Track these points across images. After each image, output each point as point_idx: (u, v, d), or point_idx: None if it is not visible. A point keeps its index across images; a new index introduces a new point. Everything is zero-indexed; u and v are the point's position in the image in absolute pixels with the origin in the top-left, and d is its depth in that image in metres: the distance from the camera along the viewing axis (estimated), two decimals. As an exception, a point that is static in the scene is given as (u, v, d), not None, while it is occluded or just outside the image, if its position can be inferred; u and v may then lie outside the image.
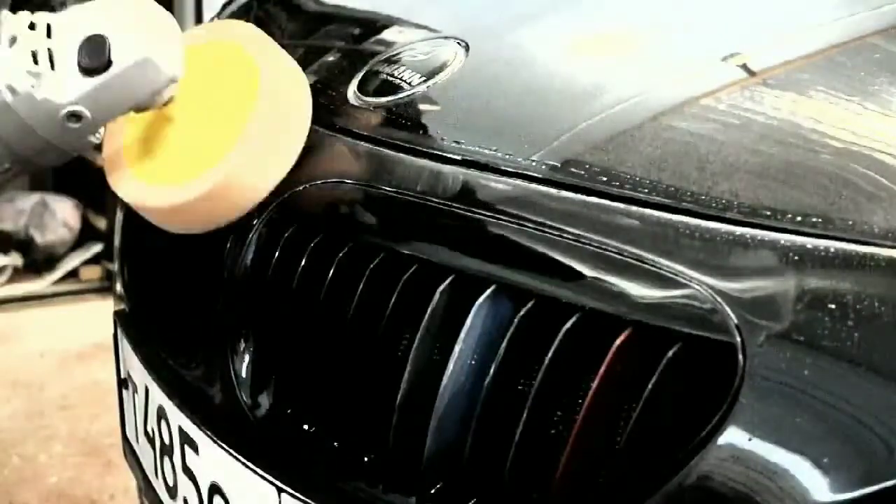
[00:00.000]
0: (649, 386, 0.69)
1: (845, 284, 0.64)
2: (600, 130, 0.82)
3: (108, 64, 0.83)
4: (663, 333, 0.70)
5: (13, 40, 0.83)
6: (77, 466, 2.35)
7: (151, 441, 1.12)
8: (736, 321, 0.65)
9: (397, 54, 1.03)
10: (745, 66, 0.88)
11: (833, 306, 0.63)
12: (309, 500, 0.85)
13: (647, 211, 0.72)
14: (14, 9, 0.89)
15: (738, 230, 0.68)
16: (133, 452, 1.21)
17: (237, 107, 0.90)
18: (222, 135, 0.89)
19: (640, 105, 0.84)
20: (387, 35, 1.13)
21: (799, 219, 0.67)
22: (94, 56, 0.83)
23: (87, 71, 0.83)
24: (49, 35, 0.85)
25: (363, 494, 0.85)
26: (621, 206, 0.74)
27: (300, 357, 0.94)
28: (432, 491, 0.81)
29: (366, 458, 0.87)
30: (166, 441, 1.06)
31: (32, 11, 0.88)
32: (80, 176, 3.43)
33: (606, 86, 0.88)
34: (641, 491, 0.68)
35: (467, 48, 0.98)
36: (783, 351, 0.64)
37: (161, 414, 1.07)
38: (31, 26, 0.85)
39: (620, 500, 0.71)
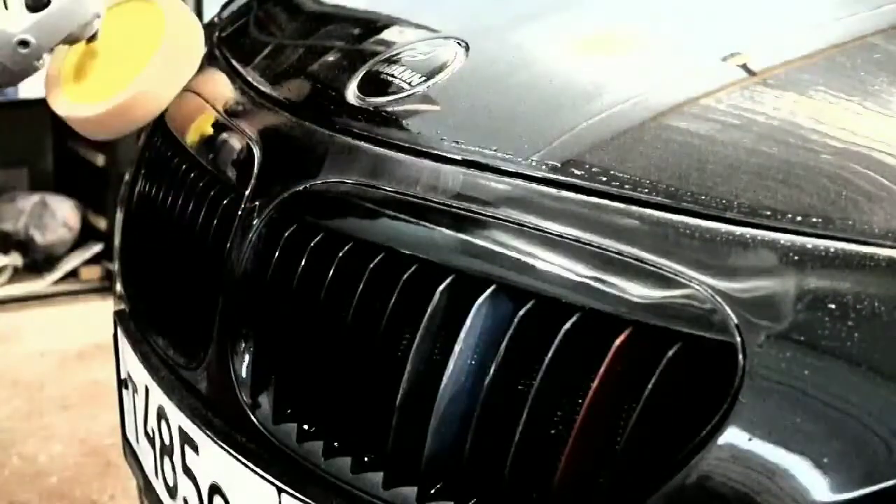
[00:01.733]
0: (649, 386, 0.69)
1: (845, 284, 0.64)
2: (600, 130, 0.82)
3: (48, 3, 1.10)
4: (663, 333, 0.70)
5: None
6: (77, 466, 2.35)
7: (151, 441, 1.12)
8: (736, 321, 0.65)
9: (397, 54, 1.03)
10: (745, 66, 0.88)
11: (833, 306, 0.63)
12: (309, 500, 0.85)
13: (647, 211, 0.72)
14: None
15: (738, 230, 0.68)
16: (133, 452, 1.21)
17: (145, 44, 1.19)
18: (133, 63, 1.19)
19: (640, 105, 0.84)
20: (387, 35, 1.13)
21: (799, 219, 0.67)
22: None
23: (32, 8, 1.10)
24: None
25: (363, 494, 0.85)
26: (621, 206, 0.74)
27: (300, 357, 0.94)
28: (432, 491, 0.81)
29: (366, 458, 0.87)
30: (166, 441, 1.06)
31: None
32: (80, 176, 3.44)
33: (606, 86, 0.88)
34: (641, 491, 0.68)
35: (467, 48, 0.98)
36: (783, 351, 0.64)
37: (161, 414, 1.07)
38: None
39: (620, 501, 0.71)
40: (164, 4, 1.24)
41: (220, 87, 1.19)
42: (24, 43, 1.10)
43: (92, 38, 1.19)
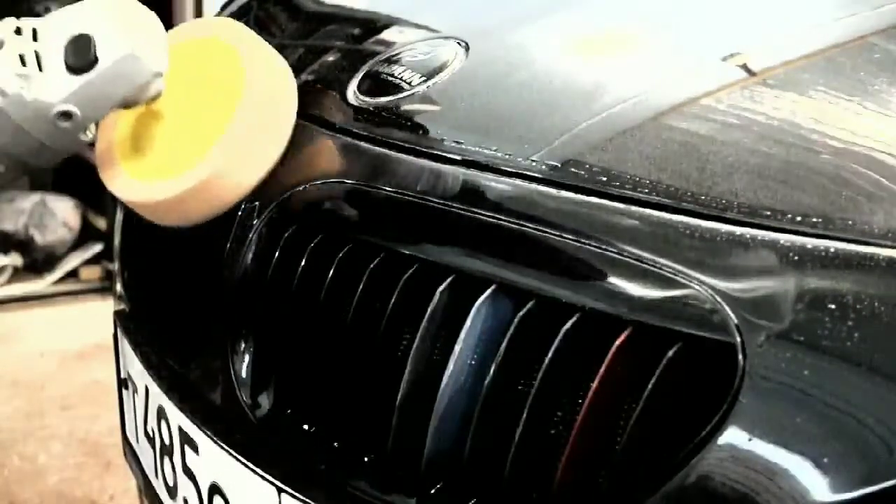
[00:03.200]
0: (649, 386, 0.69)
1: (845, 284, 0.64)
2: (600, 130, 0.82)
3: (94, 62, 0.86)
4: (663, 333, 0.70)
5: (0, 45, 0.86)
6: (77, 466, 2.35)
7: (151, 441, 1.12)
8: (736, 321, 0.65)
9: (397, 54, 1.03)
10: (745, 66, 0.88)
11: (833, 306, 0.63)
12: (309, 500, 0.85)
13: (647, 211, 0.72)
14: None
15: (738, 230, 0.68)
16: (133, 452, 1.21)
17: (223, 103, 0.93)
18: (208, 130, 0.92)
19: (640, 105, 0.84)
20: (387, 35, 1.13)
21: (799, 219, 0.67)
22: (80, 55, 0.86)
23: (74, 70, 0.86)
24: (35, 38, 0.88)
25: (363, 494, 0.85)
26: (621, 206, 0.74)
27: (300, 357, 0.94)
28: (432, 491, 0.81)
29: (366, 458, 0.87)
30: (166, 441, 1.06)
31: (18, 18, 0.91)
32: (80, 176, 3.43)
33: (606, 86, 0.88)
34: (641, 491, 0.68)
35: (467, 48, 0.98)
36: (783, 351, 0.64)
37: (161, 414, 1.07)
38: (18, 31, 0.88)
39: (620, 501, 0.71)
40: (243, 50, 0.95)
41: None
42: (65, 115, 0.87)
43: (153, 100, 0.94)
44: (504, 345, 0.77)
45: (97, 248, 3.44)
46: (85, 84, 0.86)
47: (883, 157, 0.72)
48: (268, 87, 0.93)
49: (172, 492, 1.06)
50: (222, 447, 0.94)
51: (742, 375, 0.64)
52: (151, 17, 0.91)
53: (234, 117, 0.91)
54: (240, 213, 0.99)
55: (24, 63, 0.86)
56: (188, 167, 0.92)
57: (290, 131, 0.94)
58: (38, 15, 0.94)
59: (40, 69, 0.86)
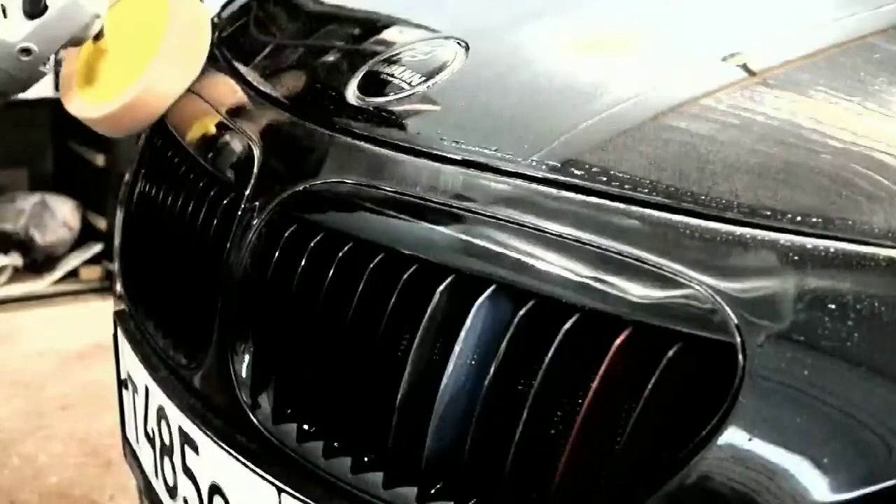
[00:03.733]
0: (649, 386, 0.69)
1: (845, 284, 0.64)
2: (600, 130, 0.82)
3: (45, 8, 1.10)
4: (663, 333, 0.69)
5: None
6: (77, 466, 2.35)
7: (151, 441, 1.11)
8: (736, 321, 0.65)
9: (397, 54, 1.03)
10: (745, 66, 0.88)
11: (833, 306, 0.63)
12: (309, 501, 0.85)
13: (647, 211, 0.72)
14: None
15: (738, 230, 0.68)
16: (133, 452, 1.21)
17: (152, 34, 1.19)
18: (142, 56, 1.19)
19: (640, 105, 0.84)
20: (387, 35, 1.13)
21: (799, 219, 0.67)
22: (34, 3, 1.11)
23: (30, 15, 1.10)
24: None
25: (363, 494, 0.85)
26: (621, 206, 0.74)
27: (300, 357, 0.94)
28: (432, 491, 0.81)
29: (366, 458, 0.87)
30: (166, 441, 1.06)
31: None
32: (80, 176, 3.43)
33: (606, 86, 0.88)
34: (641, 491, 0.68)
35: (467, 48, 0.98)
36: (783, 351, 0.64)
37: (161, 414, 1.07)
38: None
39: (620, 500, 0.71)
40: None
41: (221, 88, 1.19)
42: (25, 51, 1.11)
43: (98, 37, 1.19)
44: (504, 345, 0.77)
45: (97, 248, 3.44)
46: (38, 26, 1.10)
47: (883, 157, 0.72)
48: (186, 20, 1.20)
49: (172, 492, 1.06)
50: (222, 447, 0.94)
51: (742, 375, 0.64)
52: None
53: (160, 44, 1.17)
54: (240, 213, 0.99)
55: None
56: (128, 84, 1.18)
57: (205, 53, 1.21)
58: None
59: (4, 16, 1.10)
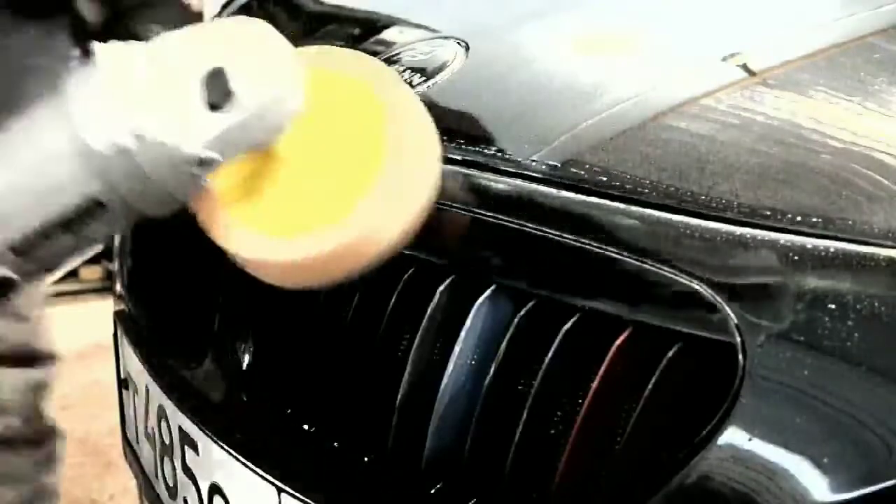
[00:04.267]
0: (649, 386, 0.69)
1: (845, 284, 0.64)
2: (600, 130, 0.82)
3: (235, 100, 0.73)
4: (663, 333, 0.70)
5: (125, 75, 0.73)
6: (77, 466, 2.35)
7: (151, 441, 1.12)
8: (736, 321, 0.65)
9: (397, 54, 1.03)
10: (745, 66, 0.88)
11: (833, 306, 0.63)
12: (309, 500, 0.85)
13: (647, 211, 0.72)
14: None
15: (738, 230, 0.68)
16: (133, 452, 1.21)
17: (361, 147, 0.78)
18: (347, 179, 0.77)
19: (640, 105, 0.84)
20: (387, 35, 1.13)
21: (799, 219, 0.67)
22: (219, 91, 0.72)
23: (214, 108, 0.72)
24: (159, 70, 0.74)
25: (363, 494, 0.85)
26: (621, 206, 0.74)
27: (300, 357, 0.94)
28: (432, 491, 0.81)
29: (366, 458, 0.87)
30: (166, 441, 1.06)
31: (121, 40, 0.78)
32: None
33: (606, 86, 0.88)
34: (641, 491, 0.68)
35: (467, 48, 0.98)
36: (783, 351, 0.64)
37: (161, 414, 1.07)
38: (136, 60, 0.74)
39: (620, 501, 0.71)
40: (377, 85, 0.80)
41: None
42: (204, 161, 0.73)
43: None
44: (504, 345, 0.77)
45: (97, 248, 3.44)
46: (229, 126, 0.73)
47: (883, 157, 0.72)
48: (412, 130, 0.79)
49: (172, 492, 1.06)
50: (222, 447, 0.94)
51: (742, 375, 0.64)
52: (282, 42, 0.76)
53: (381, 167, 0.76)
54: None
55: (156, 100, 0.73)
56: (329, 222, 0.76)
57: (437, 175, 0.79)
58: (137, 37, 0.78)
59: (176, 107, 0.72)
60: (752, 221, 0.68)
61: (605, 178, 0.76)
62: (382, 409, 0.84)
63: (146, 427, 1.13)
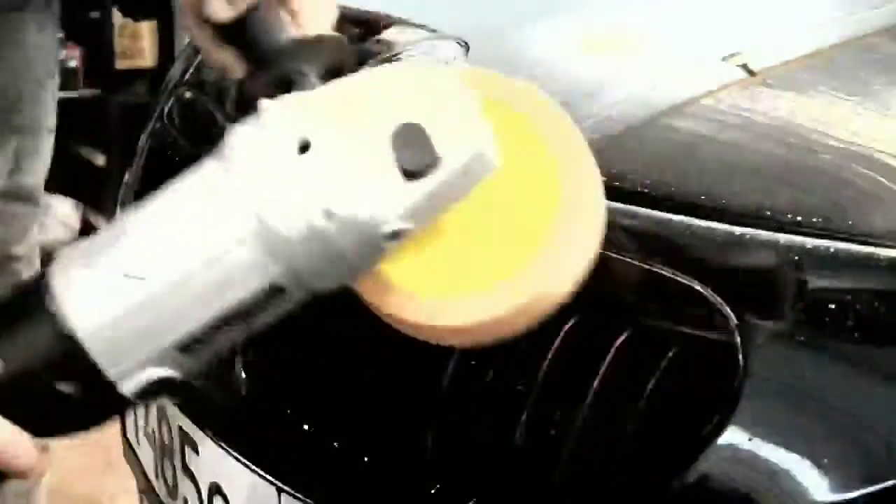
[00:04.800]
0: (649, 386, 0.69)
1: (845, 284, 0.64)
2: (600, 130, 0.82)
3: (436, 162, 0.61)
4: (663, 333, 0.70)
5: (306, 145, 0.61)
6: (77, 466, 2.35)
7: (151, 441, 1.11)
8: (736, 321, 0.65)
9: (397, 54, 1.03)
10: (745, 66, 0.88)
11: (833, 306, 0.63)
12: (309, 500, 0.85)
13: (648, 211, 0.72)
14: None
15: (738, 230, 0.68)
16: (133, 452, 1.21)
17: (533, 194, 0.70)
18: (519, 232, 0.70)
19: (640, 105, 0.84)
20: (387, 35, 1.13)
21: (799, 219, 0.67)
22: (419, 154, 0.61)
23: (410, 174, 0.61)
24: (339, 127, 0.63)
25: (363, 494, 0.85)
26: (621, 206, 0.74)
27: (300, 357, 0.94)
28: (432, 491, 0.81)
29: (366, 458, 0.87)
30: (166, 441, 1.06)
31: (278, 89, 0.68)
32: (80, 176, 3.43)
33: (607, 86, 0.88)
34: (642, 491, 0.68)
35: (467, 48, 0.98)
36: (783, 351, 0.64)
37: (161, 414, 1.07)
38: (311, 117, 0.63)
39: (621, 501, 0.71)
40: (546, 127, 0.72)
41: (219, 88, 1.19)
42: (396, 234, 0.62)
43: None
44: (504, 345, 0.77)
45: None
46: (430, 192, 0.62)
47: (883, 157, 0.72)
48: (585, 172, 0.71)
49: (172, 492, 1.06)
50: (222, 447, 0.94)
51: (742, 375, 0.64)
52: (469, 91, 0.66)
53: (555, 217, 0.69)
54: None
55: (343, 169, 0.62)
56: (503, 279, 0.69)
57: (604, 220, 0.70)
58: (290, 83, 0.70)
59: (368, 175, 0.61)
60: (752, 221, 0.68)
61: (605, 178, 0.76)
62: (382, 409, 0.84)
63: (146, 427, 1.13)
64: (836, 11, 0.96)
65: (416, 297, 0.70)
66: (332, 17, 0.78)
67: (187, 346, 0.62)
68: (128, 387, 0.61)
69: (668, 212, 0.71)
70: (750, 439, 0.63)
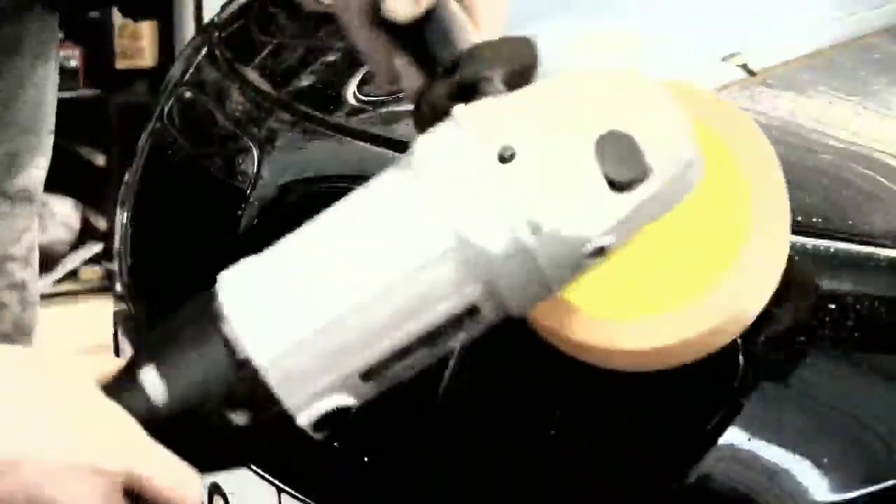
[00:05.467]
0: (649, 386, 0.69)
1: (845, 284, 0.64)
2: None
3: (647, 173, 0.56)
4: (663, 333, 0.69)
5: (508, 154, 0.57)
6: (77, 466, 2.34)
7: (151, 441, 1.11)
8: (736, 321, 0.65)
9: (397, 54, 1.02)
10: (745, 66, 0.88)
11: (833, 306, 0.63)
12: (309, 501, 0.85)
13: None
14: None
15: (738, 230, 0.68)
16: (133, 452, 1.21)
17: (723, 210, 0.68)
18: (709, 250, 0.67)
19: (640, 105, 0.83)
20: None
21: (799, 219, 0.67)
22: (626, 163, 0.56)
23: (618, 186, 0.56)
24: (538, 134, 0.58)
25: (363, 494, 0.85)
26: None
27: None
28: (432, 491, 0.81)
29: (366, 458, 0.87)
30: (166, 441, 1.06)
31: (461, 97, 0.62)
32: (80, 176, 3.43)
33: (606, 86, 0.88)
34: (642, 491, 0.68)
35: (467, 48, 0.98)
36: (783, 351, 0.64)
37: (161, 414, 1.07)
38: (510, 125, 0.58)
39: (621, 501, 0.71)
40: (736, 145, 0.69)
41: (220, 88, 1.19)
42: (600, 251, 0.56)
43: None
44: (504, 345, 0.77)
45: (97, 248, 3.44)
46: (634, 207, 0.56)
47: (883, 157, 0.72)
48: (775, 189, 0.68)
49: (172, 492, 1.06)
50: (222, 447, 0.94)
51: (742, 375, 0.64)
52: (669, 95, 0.61)
53: (748, 235, 0.67)
54: (240, 213, 0.99)
55: (547, 180, 0.57)
56: (693, 301, 0.66)
57: (789, 236, 0.67)
58: (474, 90, 0.62)
59: (574, 187, 0.56)
60: (753, 221, 0.68)
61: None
62: (382, 409, 0.84)
63: (146, 427, 1.13)
64: (836, 11, 0.96)
65: (595, 318, 0.67)
66: (504, 9, 0.72)
67: (371, 373, 0.58)
68: (305, 417, 0.59)
69: (668, 212, 0.71)
70: (750, 439, 0.63)
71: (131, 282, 1.28)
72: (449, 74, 0.64)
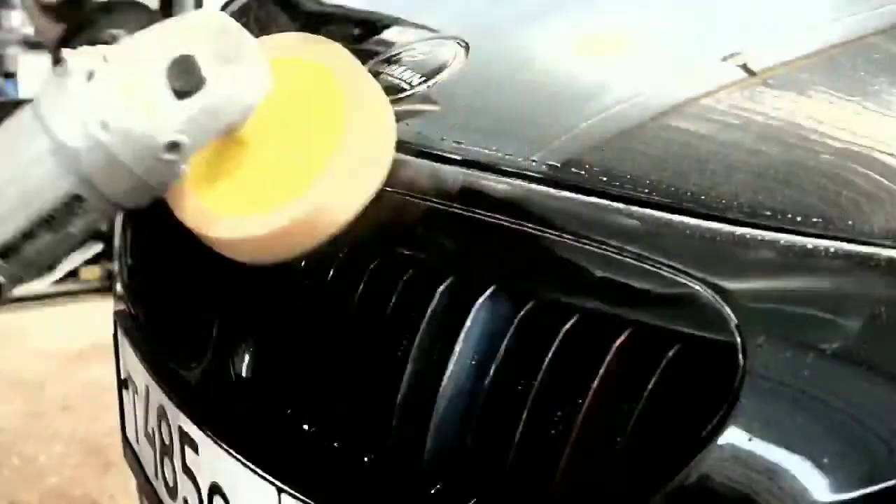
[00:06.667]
0: (649, 386, 0.69)
1: (845, 284, 0.64)
2: (600, 130, 0.82)
3: (202, 84, 0.76)
4: (663, 333, 0.70)
5: (91, 75, 0.76)
6: (77, 466, 2.35)
7: (151, 441, 1.12)
8: (736, 321, 0.65)
9: (397, 54, 1.03)
10: (745, 66, 0.88)
11: (833, 306, 0.63)
12: (309, 500, 0.85)
13: (647, 211, 0.72)
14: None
15: (738, 230, 0.68)
16: (133, 452, 1.21)
17: (319, 129, 0.83)
18: (303, 159, 0.83)
19: (640, 105, 0.84)
20: (387, 35, 1.13)
21: (799, 219, 0.67)
22: (187, 77, 0.76)
23: (181, 94, 0.76)
24: (125, 65, 0.78)
25: (363, 494, 0.85)
26: (621, 206, 0.74)
27: (300, 357, 0.94)
28: (432, 491, 0.81)
29: (366, 458, 0.87)
30: (166, 441, 1.06)
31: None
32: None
33: (606, 86, 0.88)
34: (641, 491, 0.68)
35: (467, 48, 0.98)
36: (783, 351, 0.64)
37: (161, 414, 1.07)
38: (102, 60, 0.77)
39: (621, 501, 0.71)
40: (338, 70, 0.87)
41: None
42: (174, 146, 0.76)
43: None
44: (504, 345, 0.77)
45: (97, 248, 3.44)
46: (196, 110, 0.76)
47: (883, 157, 0.72)
48: (369, 114, 0.84)
49: (172, 492, 1.06)
50: (222, 447, 0.94)
51: (742, 375, 0.64)
52: (242, 31, 0.81)
53: (336, 146, 0.82)
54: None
55: (122, 93, 0.76)
56: (286, 200, 0.81)
57: (390, 158, 0.84)
58: (105, 44, 0.82)
59: (143, 97, 0.75)
60: (752, 221, 0.68)
61: (605, 179, 0.76)
62: (382, 409, 0.84)
63: (146, 427, 1.13)
64: (836, 11, 0.96)
65: (218, 215, 0.84)
66: None
67: (8, 252, 0.76)
68: None
69: (667, 212, 0.72)
70: (750, 439, 0.63)
71: (131, 282, 1.29)
72: (77, 28, 0.91)
